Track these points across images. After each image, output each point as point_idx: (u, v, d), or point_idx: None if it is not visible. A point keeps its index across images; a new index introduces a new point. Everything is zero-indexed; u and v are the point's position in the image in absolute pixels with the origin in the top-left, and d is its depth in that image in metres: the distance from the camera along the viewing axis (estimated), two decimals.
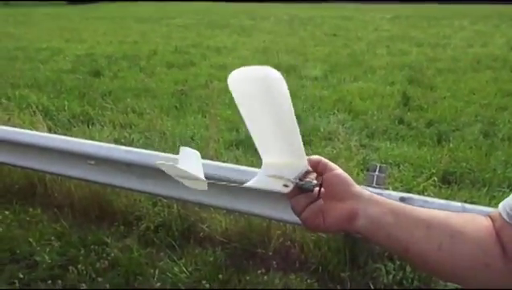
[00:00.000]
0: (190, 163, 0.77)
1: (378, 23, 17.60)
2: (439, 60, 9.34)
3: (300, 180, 0.63)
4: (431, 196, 2.70)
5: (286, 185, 0.63)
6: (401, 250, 0.60)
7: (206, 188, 0.71)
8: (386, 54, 10.18)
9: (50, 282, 2.37)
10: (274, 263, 2.52)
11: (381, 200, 0.62)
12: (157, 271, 2.44)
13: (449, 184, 3.53)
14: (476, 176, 3.67)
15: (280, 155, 0.65)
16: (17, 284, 2.39)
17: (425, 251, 0.58)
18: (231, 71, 0.64)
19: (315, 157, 0.65)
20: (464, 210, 2.11)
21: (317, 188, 0.63)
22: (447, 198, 2.74)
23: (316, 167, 0.64)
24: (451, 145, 4.36)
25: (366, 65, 8.75)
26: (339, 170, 0.63)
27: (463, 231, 0.58)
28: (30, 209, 3.05)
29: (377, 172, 2.31)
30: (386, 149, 4.29)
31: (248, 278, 2.43)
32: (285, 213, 2.39)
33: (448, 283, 2.34)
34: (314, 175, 0.64)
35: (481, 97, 6.22)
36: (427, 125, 5.09)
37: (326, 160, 0.64)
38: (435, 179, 3.17)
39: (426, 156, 4.09)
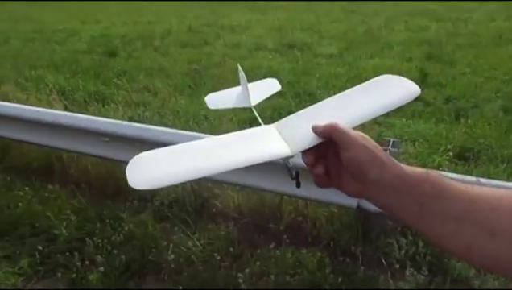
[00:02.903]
0: (262, 88, 1.09)
1: None
2: (459, 34, 9.04)
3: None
4: (446, 171, 2.65)
5: (282, 159, 0.64)
6: (424, 237, 0.56)
7: (251, 104, 0.96)
8: (403, 30, 9.90)
9: (68, 254, 2.45)
10: (286, 237, 2.54)
11: (410, 188, 0.53)
12: (171, 245, 2.49)
13: (465, 160, 3.46)
14: (494, 153, 3.59)
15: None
16: (37, 256, 2.47)
17: (450, 248, 0.52)
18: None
19: (328, 127, 0.59)
20: (479, 185, 2.07)
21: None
22: (463, 174, 2.70)
23: (329, 136, 0.59)
24: (469, 121, 4.26)
25: (383, 42, 8.54)
26: (355, 152, 0.56)
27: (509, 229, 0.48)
28: (49, 186, 3.13)
29: (390, 147, 2.27)
30: (401, 126, 4.22)
31: (259, 252, 2.46)
32: (297, 189, 2.40)
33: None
34: (309, 158, 0.61)
35: (503, 73, 6.02)
36: (445, 101, 4.98)
37: (342, 132, 0.58)
38: (451, 154, 3.12)
39: (443, 133, 4.01)
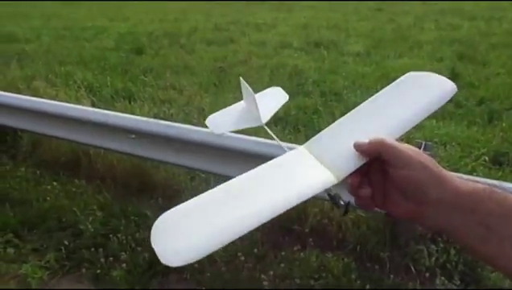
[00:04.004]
0: (269, 100, 0.91)
1: None
2: (493, 34, 8.71)
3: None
4: (481, 177, 2.54)
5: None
6: (484, 261, 0.49)
7: (262, 123, 0.82)
8: (434, 28, 9.62)
9: (93, 249, 2.47)
10: (311, 240, 2.48)
11: (476, 206, 0.48)
12: None
13: (500, 165, 3.31)
14: None
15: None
16: (63, 250, 2.51)
17: None
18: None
19: (376, 144, 0.52)
20: None
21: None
22: (498, 180, 2.57)
23: (377, 156, 0.52)
24: (503, 124, 4.08)
25: (412, 41, 8.32)
26: (411, 170, 0.50)
27: None
28: (76, 181, 3.18)
29: (421, 150, 2.18)
30: (431, 127, 4.08)
31: (284, 254, 2.42)
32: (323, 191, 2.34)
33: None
34: (354, 181, 0.53)
35: None
36: (478, 103, 4.79)
37: (393, 149, 0.51)
38: (486, 158, 2.98)
39: (475, 136, 3.85)
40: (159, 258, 0.49)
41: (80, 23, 11.64)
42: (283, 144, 0.79)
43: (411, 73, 0.67)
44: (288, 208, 0.51)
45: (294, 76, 5.99)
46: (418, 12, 12.32)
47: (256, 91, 0.88)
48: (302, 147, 0.62)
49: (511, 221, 0.47)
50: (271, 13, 13.33)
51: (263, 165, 0.59)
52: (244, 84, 0.87)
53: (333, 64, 6.69)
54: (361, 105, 0.65)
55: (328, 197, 0.56)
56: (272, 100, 0.94)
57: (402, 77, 0.67)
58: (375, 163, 0.54)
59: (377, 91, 0.67)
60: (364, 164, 0.54)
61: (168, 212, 0.53)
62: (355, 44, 8.10)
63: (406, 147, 0.52)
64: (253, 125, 0.86)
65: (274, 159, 0.60)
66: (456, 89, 0.64)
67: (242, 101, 0.94)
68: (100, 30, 10.49)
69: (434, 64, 6.52)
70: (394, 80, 0.68)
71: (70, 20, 12.54)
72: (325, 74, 6.05)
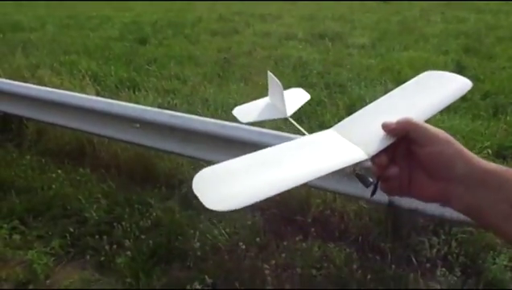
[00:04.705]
0: (293, 97, 0.98)
1: None
2: (500, 27, 8.63)
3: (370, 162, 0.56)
4: None
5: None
6: (509, 240, 0.50)
7: (287, 115, 0.89)
8: (440, 21, 9.53)
9: (97, 237, 2.50)
10: (313, 230, 2.50)
11: (501, 182, 0.49)
12: (197, 233, 2.50)
13: (504, 158, 3.31)
14: None
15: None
16: (68, 237, 2.54)
17: None
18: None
19: (403, 123, 0.53)
20: None
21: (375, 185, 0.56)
22: None
23: (404, 136, 0.53)
24: (508, 118, 4.06)
25: (418, 33, 8.25)
26: (438, 146, 0.51)
27: None
28: (81, 169, 3.20)
29: None
30: (435, 121, 4.05)
31: (286, 244, 2.44)
32: (325, 182, 2.35)
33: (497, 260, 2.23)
34: (383, 159, 0.54)
35: None
36: (483, 96, 4.76)
37: (421, 128, 0.53)
38: (489, 151, 2.98)
39: (480, 129, 3.84)
40: (204, 203, 0.52)
41: (85, 12, 11.62)
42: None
43: (428, 72, 0.71)
44: (319, 176, 0.53)
45: (298, 67, 5.97)
46: (424, 4, 12.19)
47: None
48: (330, 129, 0.64)
49: (496, 205, 0.48)
50: (276, 4, 13.23)
51: (294, 141, 0.61)
52: (272, 77, 0.91)
53: (338, 55, 6.65)
54: (381, 98, 0.67)
55: (357, 177, 0.58)
56: (295, 97, 1.01)
57: (421, 75, 0.70)
58: (401, 146, 0.55)
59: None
60: (391, 146, 0.55)
61: (208, 168, 0.57)
62: (360, 36, 8.04)
63: (431, 127, 0.53)
64: (279, 117, 0.92)
65: (304, 137, 0.63)
66: (471, 84, 0.66)
67: (267, 98, 1.01)
68: (104, 19, 10.46)
69: (440, 56, 6.47)
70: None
71: (74, 9, 12.52)
72: (330, 66, 6.02)
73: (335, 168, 0.53)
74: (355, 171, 0.58)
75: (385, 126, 0.55)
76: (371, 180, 0.56)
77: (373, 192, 0.57)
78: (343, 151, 0.57)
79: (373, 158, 0.54)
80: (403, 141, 0.54)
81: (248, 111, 1.02)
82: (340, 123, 0.64)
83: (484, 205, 0.49)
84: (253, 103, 1.04)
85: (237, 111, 1.02)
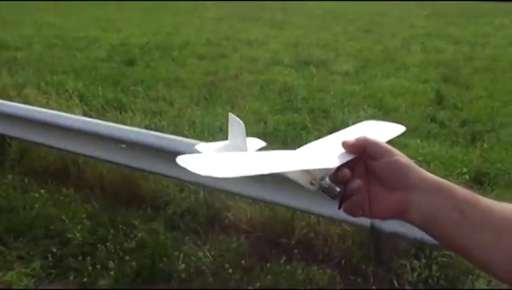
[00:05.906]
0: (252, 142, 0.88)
1: (414, 20, 17.09)
2: (476, 58, 9.01)
3: (329, 178, 0.59)
4: None
5: (312, 183, 0.60)
6: (461, 252, 0.52)
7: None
8: (420, 51, 9.90)
9: (80, 258, 2.47)
10: (297, 253, 2.52)
11: (450, 191, 0.52)
12: (182, 255, 2.49)
13: (481, 184, 3.42)
14: (510, 178, 3.54)
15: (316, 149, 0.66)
16: (50, 258, 2.50)
17: (491, 260, 0.50)
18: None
19: (361, 140, 0.57)
20: None
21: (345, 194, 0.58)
22: None
23: (362, 152, 0.57)
24: (485, 145, 4.22)
25: (399, 62, 8.55)
26: (393, 156, 0.55)
27: None
28: (64, 190, 3.18)
29: None
30: (415, 146, 4.19)
31: (270, 266, 2.45)
32: (310, 205, 2.40)
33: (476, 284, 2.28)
34: (346, 172, 0.57)
35: None
36: (461, 124, 4.94)
37: (377, 143, 0.57)
38: (467, 177, 3.08)
39: (458, 155, 3.97)
40: (189, 168, 0.53)
41: (72, 33, 11.66)
42: None
43: (368, 121, 0.77)
44: (300, 168, 0.59)
45: (283, 92, 6.10)
46: (405, 35, 12.66)
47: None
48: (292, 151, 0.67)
49: (480, 208, 0.51)
50: (263, 30, 13.54)
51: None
52: (233, 118, 0.80)
53: (322, 82, 6.83)
54: (317, 140, 0.71)
55: (323, 191, 0.59)
56: (253, 143, 0.87)
57: (360, 123, 0.76)
58: (359, 165, 0.58)
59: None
60: (350, 163, 0.57)
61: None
62: (344, 63, 8.28)
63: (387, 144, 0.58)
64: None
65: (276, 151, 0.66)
66: (404, 129, 0.72)
67: (226, 141, 0.85)
68: (92, 40, 10.52)
69: (420, 85, 6.71)
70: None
71: (62, 29, 12.56)
72: (314, 91, 6.17)
73: (311, 167, 0.59)
74: (321, 187, 0.59)
75: (344, 144, 0.59)
76: (338, 189, 0.59)
77: (340, 204, 0.59)
78: (315, 158, 0.62)
79: (336, 172, 0.57)
80: (360, 160, 0.58)
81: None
82: (298, 149, 0.67)
83: (438, 213, 0.52)
84: (213, 144, 0.89)
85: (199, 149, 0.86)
